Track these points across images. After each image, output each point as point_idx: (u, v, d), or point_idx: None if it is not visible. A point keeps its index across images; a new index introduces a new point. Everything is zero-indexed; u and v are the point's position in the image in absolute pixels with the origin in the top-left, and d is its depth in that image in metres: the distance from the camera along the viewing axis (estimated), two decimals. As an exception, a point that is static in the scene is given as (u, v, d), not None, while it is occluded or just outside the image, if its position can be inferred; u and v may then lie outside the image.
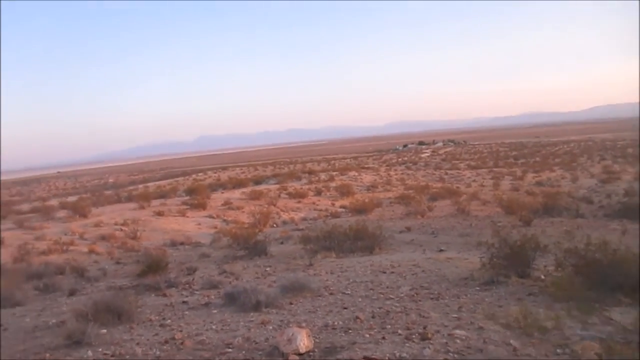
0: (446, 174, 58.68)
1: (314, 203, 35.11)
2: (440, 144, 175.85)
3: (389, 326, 6.37)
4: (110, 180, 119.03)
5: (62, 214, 28.32)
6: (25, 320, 8.39)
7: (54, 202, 42.58)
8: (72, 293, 11.02)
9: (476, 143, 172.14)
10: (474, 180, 47.70)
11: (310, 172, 60.87)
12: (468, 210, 23.87)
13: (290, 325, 6.68)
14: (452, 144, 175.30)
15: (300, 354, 5.52)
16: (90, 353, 6.14)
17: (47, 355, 6.17)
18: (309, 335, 5.78)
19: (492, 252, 8.82)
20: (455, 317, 6.61)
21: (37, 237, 20.89)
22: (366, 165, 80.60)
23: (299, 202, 34.96)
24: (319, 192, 39.43)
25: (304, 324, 6.71)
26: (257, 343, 6.14)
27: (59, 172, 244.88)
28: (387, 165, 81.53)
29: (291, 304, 8.05)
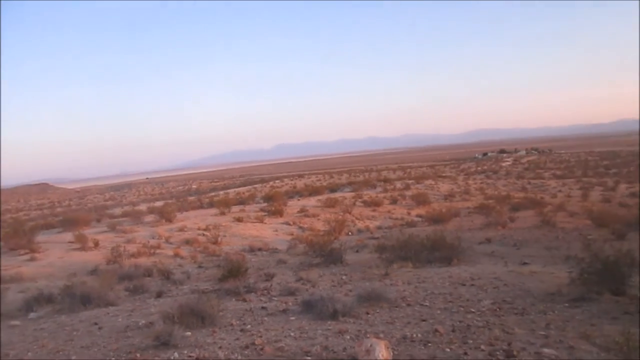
0: (529, 183, 56.41)
1: (389, 212, 34.84)
2: (523, 152, 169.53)
3: (471, 341, 6.21)
4: (194, 186, 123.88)
5: (150, 218, 29.80)
6: (117, 320, 8.90)
7: (142, 206, 44.94)
8: (159, 295, 11.58)
9: (562, 152, 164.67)
10: (560, 191, 45.47)
11: (386, 181, 60.47)
12: (554, 222, 22.76)
13: (368, 335, 6.67)
14: (535, 152, 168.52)
15: (378, 366, 5.49)
16: (176, 355, 6.42)
17: (138, 355, 6.51)
18: (387, 347, 5.75)
19: (582, 267, 8.36)
20: (543, 334, 6.33)
21: (127, 240, 22.13)
22: (443, 174, 79.08)
23: (374, 210, 34.81)
24: (394, 201, 39.10)
25: (381, 335, 6.68)
26: (335, 352, 6.17)
27: (147, 178, 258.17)
28: (465, 174, 79.62)
29: (368, 313, 8.02)
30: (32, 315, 10.85)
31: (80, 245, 21.03)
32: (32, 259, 18.90)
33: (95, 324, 8.70)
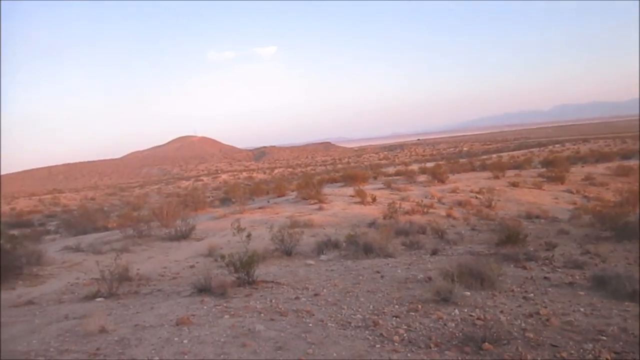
0: None
1: None
2: None
3: None
4: (465, 148, 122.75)
5: (422, 178, 30.61)
6: (397, 271, 9.43)
7: (414, 166, 46.42)
8: (434, 252, 11.89)
9: None
10: None
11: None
12: None
13: (679, 325, 5.74)
14: None
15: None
16: (457, 312, 6.51)
17: (419, 306, 6.80)
18: None
19: None
20: None
21: (402, 198, 23.17)
22: None
23: (682, 182, 29.46)
24: None
25: (696, 327, 5.67)
26: (635, 336, 5.48)
27: (418, 140, 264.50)
28: None
29: (677, 300, 6.90)
30: (322, 257, 12.30)
31: (359, 200, 22.80)
32: (320, 209, 21.22)
33: (378, 272, 9.37)
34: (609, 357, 4.90)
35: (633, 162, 36.89)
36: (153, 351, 5.40)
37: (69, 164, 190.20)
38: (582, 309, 6.57)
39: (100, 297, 8.76)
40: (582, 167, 36.54)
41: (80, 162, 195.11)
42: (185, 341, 5.66)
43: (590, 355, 5.00)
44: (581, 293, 7.44)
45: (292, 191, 28.70)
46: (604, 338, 5.47)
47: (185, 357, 5.20)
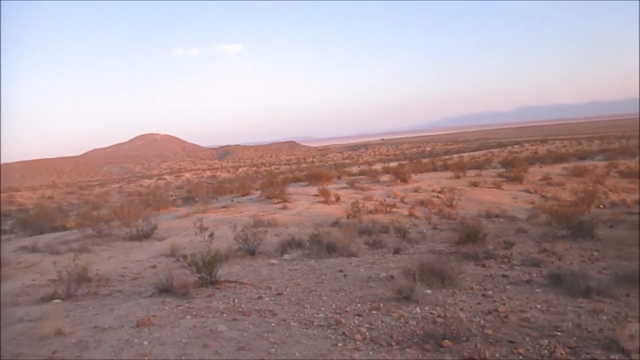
0: None
1: (652, 185, 30.21)
2: None
3: None
4: (427, 149, 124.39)
5: (385, 178, 30.89)
6: (360, 270, 9.52)
7: (378, 166, 46.80)
8: (396, 251, 12.02)
9: None
10: None
11: (650, 149, 52.41)
12: None
13: (630, 320, 5.98)
14: None
15: (645, 355, 4.87)
16: (418, 310, 6.62)
17: (381, 304, 6.88)
18: (657, 336, 5.05)
19: None
20: None
21: (365, 197, 23.34)
22: None
23: (633, 182, 30.56)
24: (660, 173, 33.73)
25: (646, 322, 5.90)
26: (589, 332, 5.69)
27: (382, 140, 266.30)
28: None
29: (628, 295, 7.22)
30: (286, 256, 12.29)
31: (323, 199, 22.85)
32: (283, 208, 21.18)
33: (341, 271, 9.43)
34: (563, 352, 5.06)
35: (589, 163, 38.17)
36: (112, 353, 5.31)
37: (25, 162, 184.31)
38: (538, 306, 6.77)
39: (57, 298, 8.53)
40: (540, 167, 37.55)
41: (38, 160, 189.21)
42: (145, 342, 5.57)
43: (545, 351, 5.15)
44: (538, 290, 7.66)
45: (256, 190, 28.56)
46: (559, 334, 5.65)
47: (146, 358, 5.12)
